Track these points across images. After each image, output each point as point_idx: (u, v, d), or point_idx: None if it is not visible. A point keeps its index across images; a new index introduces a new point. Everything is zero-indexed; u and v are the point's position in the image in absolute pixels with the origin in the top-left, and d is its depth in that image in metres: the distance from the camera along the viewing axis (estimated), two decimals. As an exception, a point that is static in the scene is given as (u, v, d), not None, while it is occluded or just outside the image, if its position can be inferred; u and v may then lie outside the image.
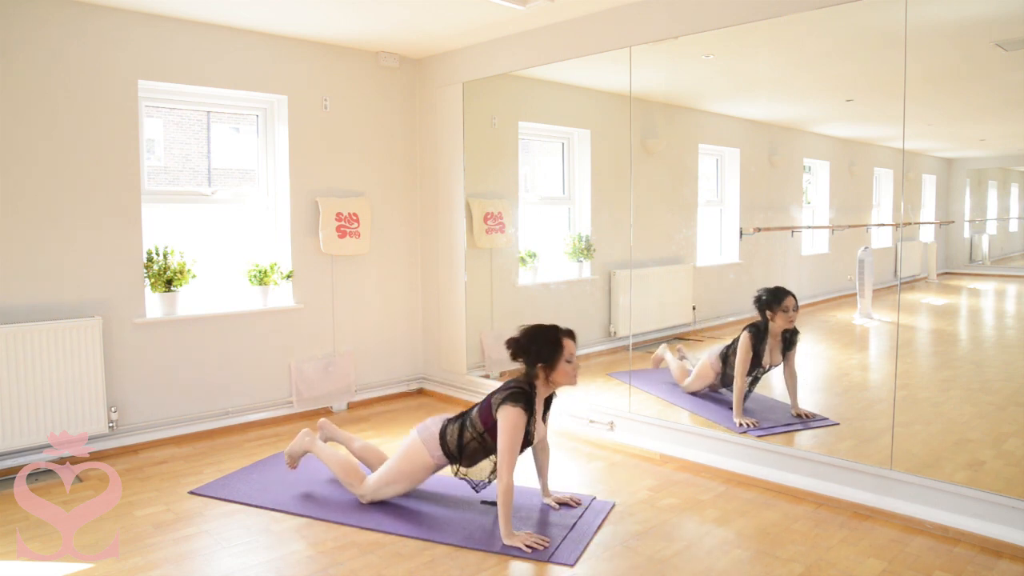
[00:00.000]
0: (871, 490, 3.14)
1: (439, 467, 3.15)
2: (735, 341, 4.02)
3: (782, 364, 3.93)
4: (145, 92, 4.11)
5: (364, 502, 3.22)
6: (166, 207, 4.28)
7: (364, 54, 4.92)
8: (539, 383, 2.93)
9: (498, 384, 3.15)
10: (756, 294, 3.94)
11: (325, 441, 3.52)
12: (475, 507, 3.18)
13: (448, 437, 3.07)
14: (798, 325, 3.92)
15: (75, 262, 3.83)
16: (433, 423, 3.16)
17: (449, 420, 3.14)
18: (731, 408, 3.97)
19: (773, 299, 3.86)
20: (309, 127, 4.67)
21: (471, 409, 3.10)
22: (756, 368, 3.92)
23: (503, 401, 2.88)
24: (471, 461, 3.07)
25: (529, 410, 2.88)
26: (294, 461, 3.45)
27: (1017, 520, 2.77)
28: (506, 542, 2.80)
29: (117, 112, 3.92)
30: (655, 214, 4.68)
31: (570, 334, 2.96)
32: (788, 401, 3.92)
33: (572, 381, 2.95)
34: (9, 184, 3.61)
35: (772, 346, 3.90)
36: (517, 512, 3.10)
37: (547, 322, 2.99)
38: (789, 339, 3.90)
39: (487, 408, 2.97)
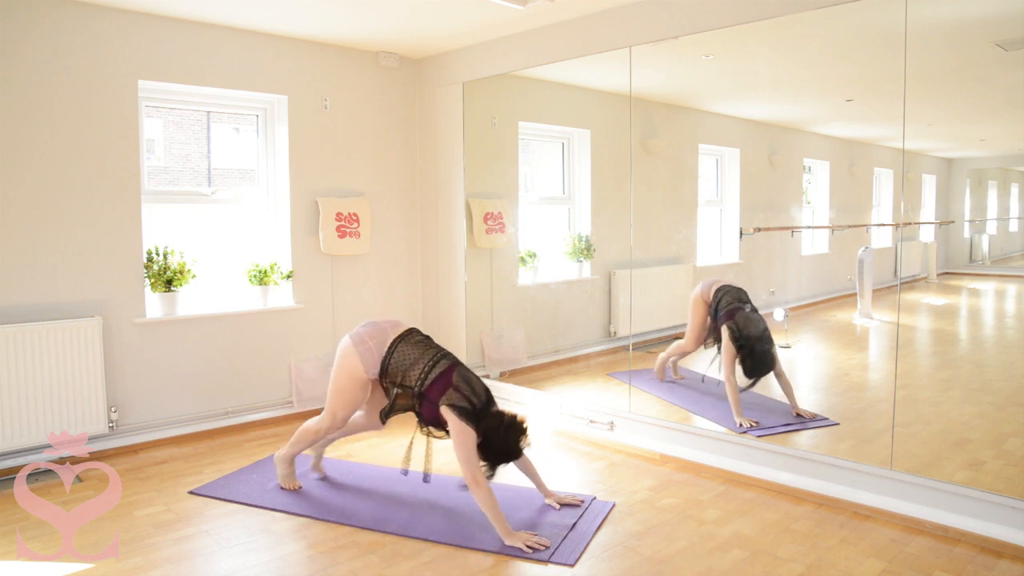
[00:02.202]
0: (871, 490, 3.14)
1: (371, 383, 3.16)
2: (721, 290, 4.11)
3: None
4: (145, 92, 4.11)
5: (334, 435, 3.35)
6: (166, 207, 4.28)
7: (364, 54, 4.92)
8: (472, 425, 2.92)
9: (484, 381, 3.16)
10: (745, 337, 3.99)
11: (289, 467, 3.46)
12: (475, 507, 3.18)
13: (395, 360, 3.05)
14: (799, 326, 3.92)
15: (75, 262, 3.83)
16: (370, 335, 3.12)
17: (400, 340, 3.09)
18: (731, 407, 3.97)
19: (748, 365, 3.95)
20: (309, 127, 4.67)
21: (434, 352, 3.07)
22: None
23: (452, 407, 2.89)
24: (395, 398, 3.07)
25: (475, 425, 2.90)
26: (292, 481, 3.42)
27: (1017, 520, 2.77)
28: (507, 542, 2.80)
29: (117, 112, 3.92)
30: (655, 214, 4.68)
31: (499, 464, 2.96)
32: (787, 401, 3.92)
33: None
34: (9, 184, 3.61)
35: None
36: (517, 513, 3.10)
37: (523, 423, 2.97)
38: None
39: (440, 388, 2.94)
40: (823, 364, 4.38)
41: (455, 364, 3.06)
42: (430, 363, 3.03)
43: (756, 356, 3.90)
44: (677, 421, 3.90)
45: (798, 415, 3.83)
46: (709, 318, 4.21)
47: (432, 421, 3.03)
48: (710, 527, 2.99)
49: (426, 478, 3.21)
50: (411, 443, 3.20)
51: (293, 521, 3.09)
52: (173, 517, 3.12)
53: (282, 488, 3.41)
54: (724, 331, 4.00)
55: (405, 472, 3.26)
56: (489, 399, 3.02)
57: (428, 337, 3.21)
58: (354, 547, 2.84)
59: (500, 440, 2.89)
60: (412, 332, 3.18)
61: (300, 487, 3.42)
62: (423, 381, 3.00)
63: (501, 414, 2.95)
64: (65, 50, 3.74)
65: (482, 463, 2.91)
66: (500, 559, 2.73)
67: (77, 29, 3.76)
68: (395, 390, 3.07)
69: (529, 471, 3.21)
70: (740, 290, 4.14)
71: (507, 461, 2.94)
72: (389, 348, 3.10)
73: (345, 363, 3.14)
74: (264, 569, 2.66)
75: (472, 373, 3.08)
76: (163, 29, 4.04)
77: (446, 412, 2.91)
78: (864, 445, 3.45)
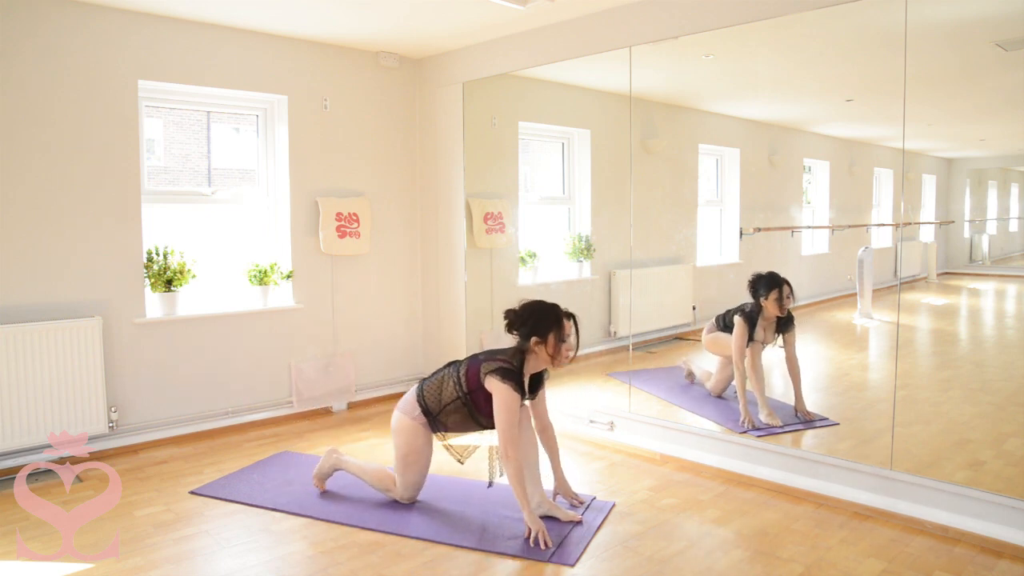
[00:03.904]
0: (871, 490, 3.14)
1: (431, 431, 3.15)
2: (728, 313, 4.08)
3: (783, 349, 3.90)
4: (145, 92, 4.11)
5: (405, 501, 3.22)
6: (166, 207, 4.28)
7: (364, 54, 4.92)
8: (529, 358, 2.95)
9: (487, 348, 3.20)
10: (751, 276, 3.96)
11: (332, 471, 3.43)
12: (475, 507, 3.18)
13: (426, 394, 3.09)
14: (799, 326, 3.91)
15: (75, 262, 3.83)
16: (409, 393, 3.19)
17: (424, 379, 3.16)
18: (734, 407, 3.97)
19: (763, 286, 3.88)
20: (309, 127, 4.68)
21: (448, 366, 3.11)
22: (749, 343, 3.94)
23: (492, 373, 2.90)
24: (454, 425, 3.07)
25: (520, 390, 2.90)
26: (322, 481, 3.40)
27: (1017, 520, 2.77)
28: (527, 521, 2.83)
29: (117, 112, 3.92)
30: (655, 214, 4.68)
31: (570, 316, 2.98)
32: (788, 402, 3.91)
33: (562, 362, 2.96)
34: (9, 184, 3.61)
35: (765, 326, 3.92)
36: (515, 513, 3.09)
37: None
38: (784, 323, 3.91)
39: (475, 371, 2.97)
40: (823, 364, 4.38)
41: (477, 354, 3.10)
42: (454, 370, 3.07)
43: (762, 275, 3.88)
44: (677, 421, 3.90)
45: (799, 413, 3.82)
46: (723, 332, 4.16)
47: (491, 411, 2.97)
48: (710, 527, 2.99)
49: (490, 484, 3.26)
50: (490, 454, 3.24)
51: (293, 521, 3.09)
52: (173, 517, 3.12)
53: (314, 478, 3.40)
54: (736, 317, 3.97)
55: (490, 485, 3.30)
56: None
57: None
58: (354, 547, 2.84)
59: (540, 309, 2.94)
60: (435, 371, 3.22)
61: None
62: (460, 384, 3.01)
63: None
64: (65, 50, 3.74)
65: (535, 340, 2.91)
66: (500, 559, 2.73)
67: (77, 29, 3.76)
68: (444, 412, 3.06)
69: (550, 449, 3.18)
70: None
71: (551, 329, 2.91)
72: (418, 389, 3.14)
73: (400, 429, 3.14)
74: (264, 569, 2.66)
75: (496, 349, 3.08)
76: (163, 29, 4.04)
77: (490, 383, 2.90)
78: (864, 445, 3.45)
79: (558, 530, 2.94)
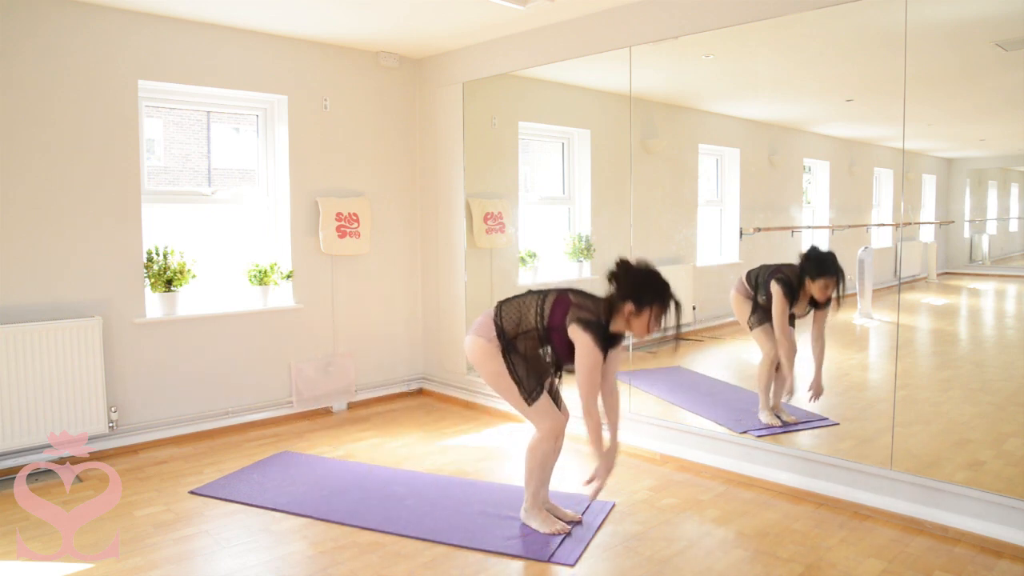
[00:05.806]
0: (871, 490, 3.14)
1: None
2: (760, 273, 3.88)
3: (811, 323, 3.74)
4: (145, 92, 4.11)
5: (556, 433, 3.02)
6: (166, 207, 4.28)
7: (364, 54, 4.92)
8: (615, 317, 2.77)
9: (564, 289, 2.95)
10: (808, 249, 3.66)
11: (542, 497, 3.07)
12: (475, 507, 3.18)
13: (504, 317, 2.91)
14: (799, 325, 3.88)
15: (75, 262, 3.83)
16: (483, 316, 3.00)
17: (502, 302, 2.97)
18: (734, 408, 3.96)
19: (815, 267, 3.60)
20: (309, 127, 4.67)
21: (527, 294, 2.95)
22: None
23: (578, 320, 2.74)
24: (525, 349, 2.88)
25: (601, 345, 2.74)
26: (554, 522, 2.99)
27: (1017, 520, 2.77)
28: (599, 467, 2.81)
29: (117, 112, 3.92)
30: (655, 214, 4.68)
31: (678, 304, 2.74)
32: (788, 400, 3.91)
33: (641, 336, 2.79)
34: (9, 184, 3.61)
35: (801, 298, 3.72)
36: (515, 513, 3.09)
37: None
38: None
39: (562, 311, 2.81)
40: (823, 364, 4.37)
41: (566, 289, 2.92)
42: (541, 299, 2.90)
43: (820, 256, 3.56)
44: (677, 421, 3.90)
45: (813, 390, 3.71)
46: (753, 303, 3.90)
47: (566, 353, 2.83)
48: (710, 527, 2.99)
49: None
50: None
51: (293, 521, 3.09)
52: (173, 517, 3.13)
53: (551, 534, 2.94)
54: (773, 285, 3.68)
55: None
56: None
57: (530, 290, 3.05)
58: (354, 547, 2.84)
59: (653, 281, 2.73)
60: (515, 295, 3.03)
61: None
62: (542, 316, 2.85)
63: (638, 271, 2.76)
64: (65, 50, 3.74)
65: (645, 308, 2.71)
66: (500, 559, 2.73)
67: (77, 29, 3.76)
68: (519, 338, 2.88)
69: (611, 407, 3.03)
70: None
71: (652, 303, 2.71)
72: (496, 309, 2.96)
73: (478, 353, 2.93)
74: (264, 569, 2.66)
75: (587, 292, 2.92)
76: (163, 29, 4.04)
77: (574, 331, 2.74)
78: (864, 445, 3.45)
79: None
